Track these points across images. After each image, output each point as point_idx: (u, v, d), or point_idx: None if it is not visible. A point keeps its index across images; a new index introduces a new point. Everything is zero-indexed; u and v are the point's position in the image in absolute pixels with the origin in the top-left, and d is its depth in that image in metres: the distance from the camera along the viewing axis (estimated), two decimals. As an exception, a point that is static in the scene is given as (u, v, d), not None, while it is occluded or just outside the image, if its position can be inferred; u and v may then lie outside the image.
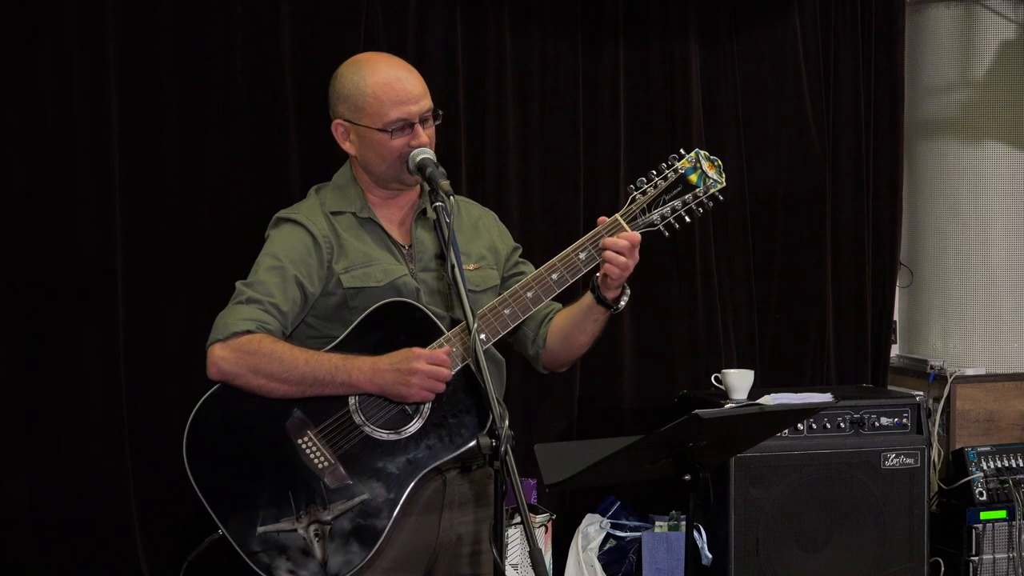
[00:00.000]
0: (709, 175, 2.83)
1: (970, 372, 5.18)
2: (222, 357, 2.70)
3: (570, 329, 2.89)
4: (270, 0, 4.53)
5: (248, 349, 2.68)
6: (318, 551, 2.69)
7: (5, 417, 4.34)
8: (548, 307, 2.93)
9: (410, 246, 2.87)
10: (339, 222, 2.84)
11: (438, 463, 2.72)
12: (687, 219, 2.83)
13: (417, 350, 2.68)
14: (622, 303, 2.83)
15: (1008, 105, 5.19)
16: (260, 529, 2.70)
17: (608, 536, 4.34)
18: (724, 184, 2.85)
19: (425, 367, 2.65)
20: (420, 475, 2.71)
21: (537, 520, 4.05)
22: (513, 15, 4.79)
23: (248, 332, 2.70)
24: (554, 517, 4.18)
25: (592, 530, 4.27)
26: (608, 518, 4.39)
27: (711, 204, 2.85)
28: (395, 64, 2.87)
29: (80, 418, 4.41)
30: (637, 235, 2.76)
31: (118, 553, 4.46)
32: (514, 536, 3.79)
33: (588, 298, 2.82)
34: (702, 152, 2.84)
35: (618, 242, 2.73)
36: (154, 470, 4.41)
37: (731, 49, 5.09)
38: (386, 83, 2.80)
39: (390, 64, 2.86)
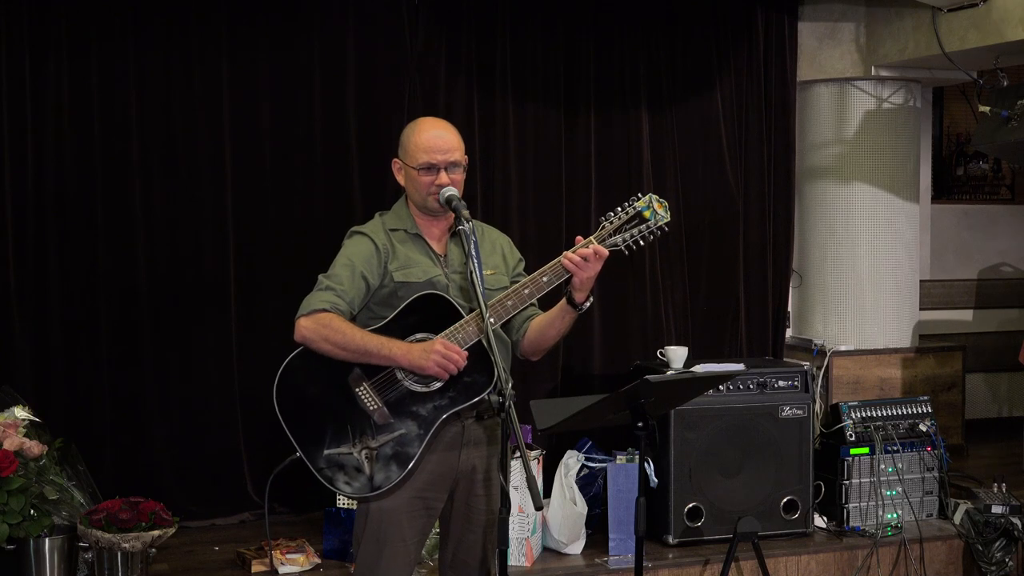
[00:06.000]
0: (658, 212, 2.78)
1: (843, 348, 5.17)
2: (305, 326, 2.69)
3: (545, 326, 2.85)
4: (341, 80, 4.54)
5: (323, 323, 2.68)
6: (367, 468, 2.68)
7: (151, 385, 4.38)
8: (534, 311, 2.90)
9: (445, 255, 2.84)
10: (394, 236, 2.83)
11: (456, 409, 2.70)
12: (642, 243, 2.79)
13: (442, 339, 2.66)
14: (586, 305, 2.77)
15: (869, 157, 5.17)
16: (326, 452, 2.69)
17: (583, 466, 4.31)
18: (669, 219, 2.80)
19: (443, 349, 2.63)
20: (443, 418, 2.70)
21: (532, 455, 4.02)
22: (515, 90, 4.77)
23: (324, 311, 2.69)
24: (544, 453, 4.16)
25: (571, 462, 4.25)
26: (583, 453, 4.36)
27: (659, 233, 2.80)
28: (438, 125, 2.84)
29: (204, 384, 4.45)
30: (601, 248, 2.71)
31: (231, 477, 4.51)
32: (515, 466, 3.77)
33: (562, 301, 2.79)
34: (654, 195, 2.80)
35: (583, 251, 2.71)
36: (255, 419, 4.43)
37: (671, 116, 5.05)
38: (426, 137, 2.78)
39: (434, 124, 2.84)
